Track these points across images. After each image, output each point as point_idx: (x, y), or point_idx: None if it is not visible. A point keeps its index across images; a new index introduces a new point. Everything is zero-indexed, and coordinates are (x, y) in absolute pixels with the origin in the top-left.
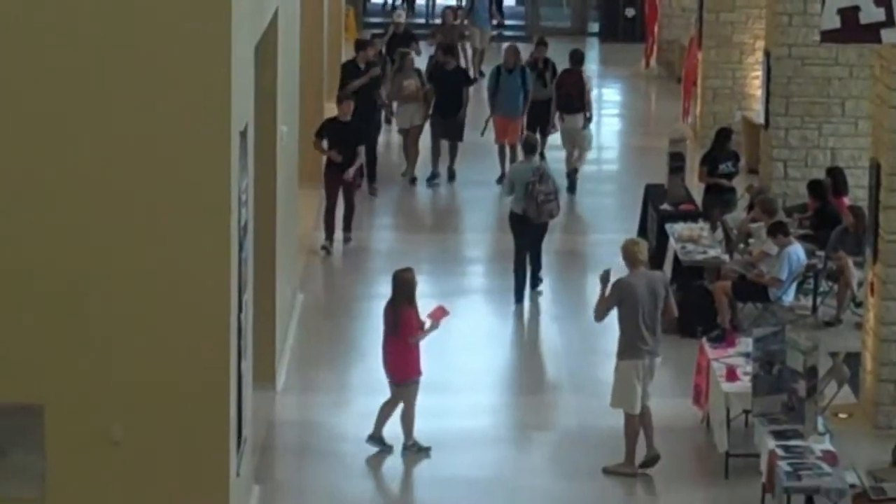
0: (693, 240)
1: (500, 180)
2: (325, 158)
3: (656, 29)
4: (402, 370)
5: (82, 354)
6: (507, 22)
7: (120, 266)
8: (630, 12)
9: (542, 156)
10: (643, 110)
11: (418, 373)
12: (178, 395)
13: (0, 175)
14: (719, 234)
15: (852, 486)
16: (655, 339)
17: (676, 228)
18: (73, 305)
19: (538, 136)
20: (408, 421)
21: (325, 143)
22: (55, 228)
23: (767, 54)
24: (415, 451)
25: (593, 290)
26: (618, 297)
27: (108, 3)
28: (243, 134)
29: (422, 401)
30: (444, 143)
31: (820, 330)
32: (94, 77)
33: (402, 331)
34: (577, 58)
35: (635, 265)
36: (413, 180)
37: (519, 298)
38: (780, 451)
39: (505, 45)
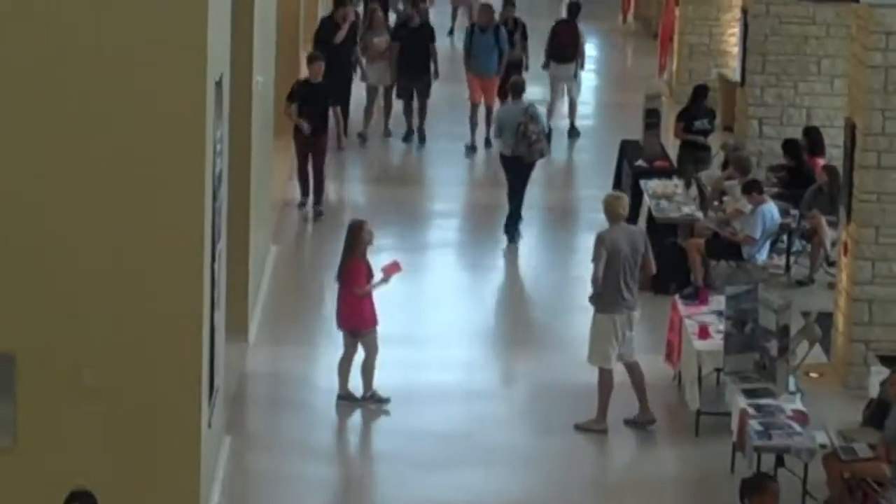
0: (667, 196)
1: (468, 150)
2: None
3: None
4: (352, 320)
5: (53, 302)
6: None
7: (92, 215)
8: None
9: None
10: (619, 66)
11: (371, 324)
12: (151, 343)
13: None
14: (693, 191)
15: (822, 445)
16: (633, 294)
17: (651, 185)
18: (45, 254)
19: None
20: (367, 372)
21: (294, 108)
22: (26, 179)
23: (745, 12)
24: (373, 402)
25: (568, 245)
26: (602, 250)
27: None
28: (219, 83)
29: (393, 353)
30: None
31: (792, 289)
32: (69, 25)
33: (348, 281)
34: (574, 10)
35: (616, 220)
36: (364, 140)
37: (511, 237)
38: (751, 410)
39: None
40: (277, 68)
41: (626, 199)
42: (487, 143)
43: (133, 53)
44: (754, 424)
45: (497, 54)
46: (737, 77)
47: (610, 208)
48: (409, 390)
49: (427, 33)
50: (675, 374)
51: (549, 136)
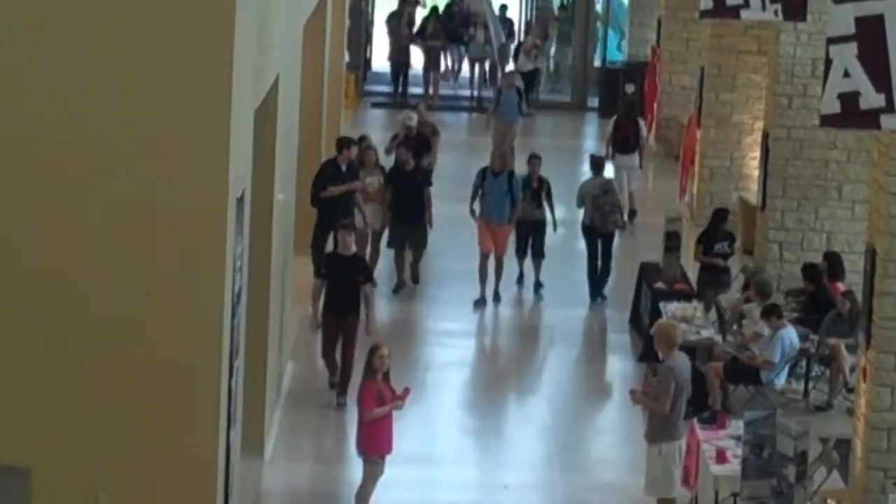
0: (686, 319)
1: (477, 304)
2: (323, 298)
3: (655, 106)
4: (365, 444)
5: (72, 418)
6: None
7: (112, 329)
8: (629, 89)
9: (540, 286)
10: (640, 187)
11: (382, 451)
12: (167, 461)
13: None
14: (713, 314)
15: None
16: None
17: (670, 307)
18: (66, 369)
19: (525, 259)
20: (361, 498)
21: (321, 285)
22: (47, 294)
23: (766, 135)
24: None
25: (585, 369)
26: (672, 382)
27: (109, 67)
28: (240, 200)
29: (409, 472)
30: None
31: (811, 414)
32: (93, 138)
33: (359, 405)
34: (631, 104)
35: (673, 347)
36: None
37: (594, 296)
38: None
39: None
40: (299, 185)
41: (680, 329)
42: (497, 297)
43: (156, 170)
44: None
45: (510, 201)
46: (757, 201)
47: (668, 337)
48: None
49: (422, 177)
50: (691, 497)
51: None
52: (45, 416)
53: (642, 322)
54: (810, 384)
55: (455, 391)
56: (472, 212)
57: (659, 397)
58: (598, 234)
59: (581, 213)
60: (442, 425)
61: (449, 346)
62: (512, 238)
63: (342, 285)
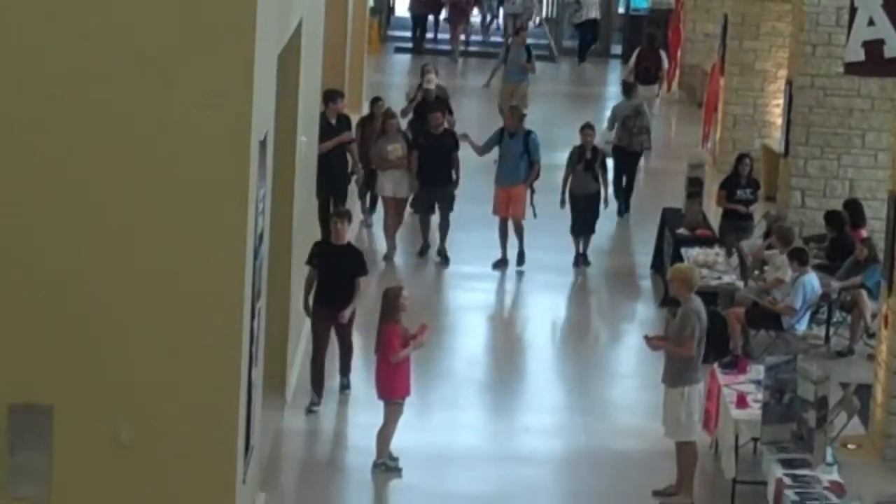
0: (708, 265)
1: (497, 265)
2: (313, 293)
3: (679, 53)
4: (387, 388)
5: (92, 355)
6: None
7: (134, 269)
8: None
9: (586, 260)
10: (663, 134)
11: (403, 393)
12: (188, 399)
13: (13, 173)
14: (734, 260)
15: None
16: None
17: (692, 253)
18: (85, 306)
19: (581, 240)
20: (383, 438)
21: (313, 275)
22: (70, 230)
23: (789, 83)
24: (383, 469)
25: (607, 312)
26: (696, 324)
27: (131, 14)
28: (263, 143)
29: (428, 416)
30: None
31: (832, 360)
32: (115, 83)
33: (383, 349)
34: (653, 39)
35: (692, 289)
36: (389, 255)
37: (621, 211)
38: (787, 480)
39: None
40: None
41: (696, 270)
42: (521, 259)
43: (178, 112)
44: (790, 495)
45: (526, 163)
46: (780, 148)
47: (688, 279)
48: (444, 454)
49: (450, 141)
50: (711, 442)
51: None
52: (67, 355)
53: (664, 267)
54: (831, 330)
55: (476, 336)
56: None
57: (684, 340)
58: (625, 154)
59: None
60: (463, 369)
61: (471, 290)
62: (564, 213)
63: (334, 277)
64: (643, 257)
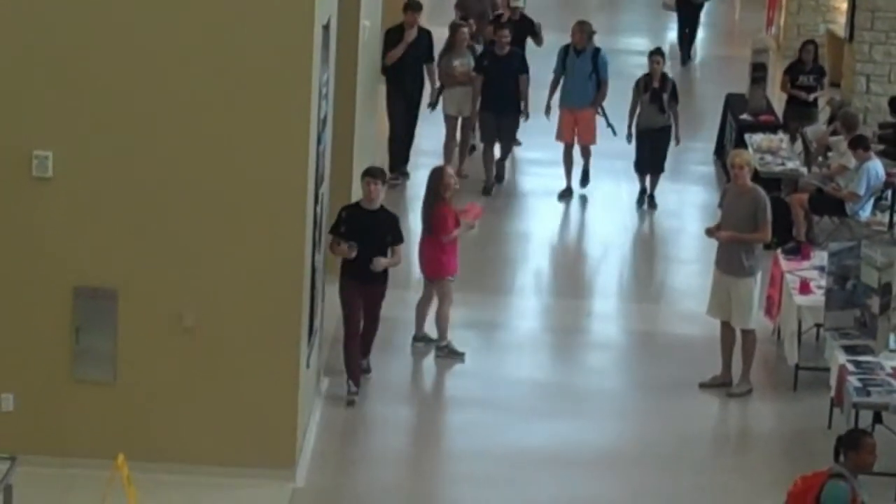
0: (772, 151)
1: (562, 195)
2: (341, 265)
3: None
4: (435, 268)
5: (157, 241)
6: None
7: (199, 156)
8: None
9: (652, 202)
10: (727, 19)
11: (452, 271)
12: (252, 284)
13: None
14: (798, 146)
15: None
16: None
17: (755, 139)
18: (151, 195)
19: (649, 178)
20: (442, 320)
21: (339, 244)
22: (135, 123)
23: None
24: (446, 353)
25: (667, 198)
26: (768, 207)
27: None
28: (326, 27)
29: (488, 300)
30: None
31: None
32: None
33: (435, 229)
34: None
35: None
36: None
37: (684, 60)
38: (850, 366)
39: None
40: (384, 13)
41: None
42: (585, 178)
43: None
44: (853, 381)
45: (595, 82)
46: (845, 33)
47: (750, 166)
48: (505, 340)
49: (517, 62)
50: (774, 328)
51: None
52: (132, 241)
53: (727, 153)
54: (895, 216)
55: (539, 228)
56: (549, 108)
57: (764, 226)
58: (688, 4)
59: None
60: (525, 259)
61: (535, 175)
62: (630, 149)
63: (366, 246)
64: (706, 143)
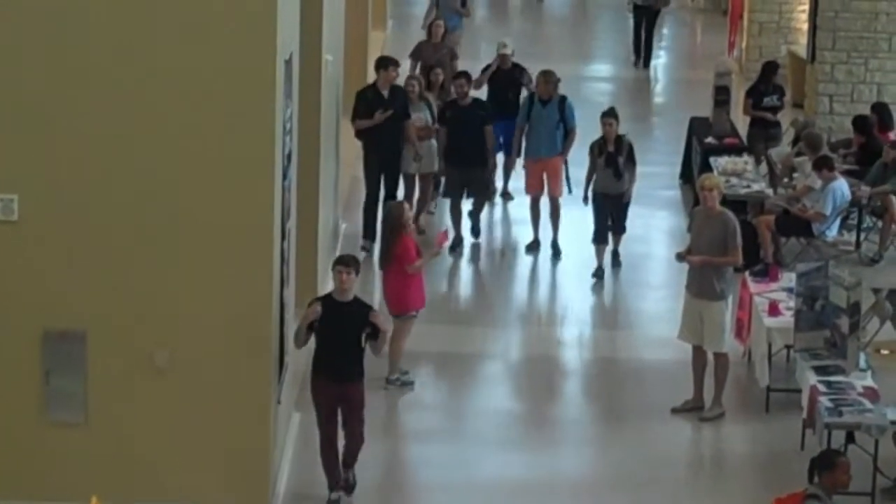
0: (737, 173)
1: (529, 248)
2: (312, 362)
3: None
4: (401, 301)
5: (125, 281)
6: None
7: (163, 194)
8: None
9: (616, 259)
10: (689, 43)
11: (418, 305)
12: (221, 322)
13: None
14: (763, 168)
15: (893, 422)
16: None
17: (720, 162)
18: (118, 234)
19: (605, 243)
20: (394, 354)
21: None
22: (97, 159)
23: None
24: (398, 385)
25: (637, 223)
26: (739, 231)
27: None
28: (288, 62)
29: (464, 328)
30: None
31: (863, 266)
32: (142, 6)
33: (399, 259)
34: None
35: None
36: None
37: (643, 63)
38: (821, 387)
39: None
40: (346, 48)
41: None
42: (555, 250)
43: (203, 33)
44: (825, 401)
45: (562, 132)
46: (807, 54)
47: (721, 191)
48: (466, 368)
49: (482, 112)
50: (744, 350)
51: None
52: (100, 281)
53: (693, 177)
54: (862, 235)
55: (508, 259)
56: (514, 161)
57: (735, 250)
58: (644, 11)
59: None
60: (493, 288)
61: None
62: (587, 218)
63: (338, 341)
64: (670, 167)
